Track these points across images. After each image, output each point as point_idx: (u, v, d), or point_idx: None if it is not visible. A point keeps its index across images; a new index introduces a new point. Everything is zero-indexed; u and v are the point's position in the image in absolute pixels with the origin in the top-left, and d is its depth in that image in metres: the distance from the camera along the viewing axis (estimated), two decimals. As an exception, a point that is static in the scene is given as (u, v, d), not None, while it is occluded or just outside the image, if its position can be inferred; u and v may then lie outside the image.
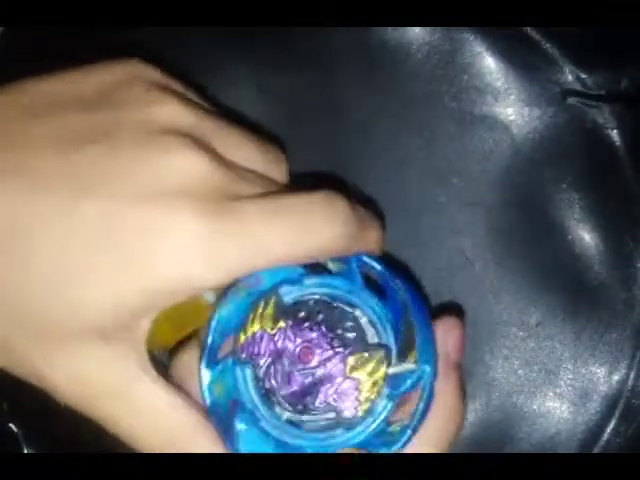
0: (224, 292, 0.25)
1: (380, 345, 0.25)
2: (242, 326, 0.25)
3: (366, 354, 0.24)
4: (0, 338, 0.22)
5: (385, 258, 0.26)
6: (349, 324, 0.25)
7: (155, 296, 0.22)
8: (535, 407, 0.37)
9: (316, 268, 0.25)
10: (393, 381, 0.24)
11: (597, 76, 0.37)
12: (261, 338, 0.24)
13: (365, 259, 0.26)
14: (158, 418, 0.23)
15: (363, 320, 0.25)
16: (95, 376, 0.23)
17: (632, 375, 0.37)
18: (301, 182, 0.27)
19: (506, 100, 0.38)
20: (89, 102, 0.24)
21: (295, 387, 0.25)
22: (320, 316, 0.25)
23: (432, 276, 0.38)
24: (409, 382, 0.24)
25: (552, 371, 0.37)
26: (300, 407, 0.25)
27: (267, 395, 0.25)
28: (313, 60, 0.38)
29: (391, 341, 0.25)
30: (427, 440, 0.25)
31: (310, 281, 0.25)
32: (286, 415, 0.25)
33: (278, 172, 0.27)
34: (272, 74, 0.38)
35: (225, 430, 0.24)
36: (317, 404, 0.25)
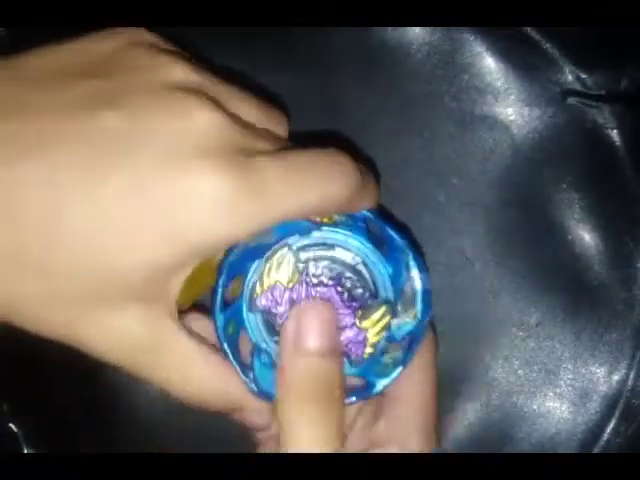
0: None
1: (384, 299, 0.27)
2: (257, 278, 0.26)
3: (373, 308, 0.27)
4: (40, 301, 0.23)
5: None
6: (356, 279, 0.27)
7: (186, 255, 0.23)
8: (535, 407, 0.37)
9: (322, 222, 0.27)
10: (394, 328, 0.27)
11: (597, 76, 0.37)
12: (278, 291, 0.27)
13: (369, 215, 0.27)
14: (193, 369, 0.26)
15: (368, 275, 0.27)
16: (134, 333, 0.24)
17: (632, 375, 0.37)
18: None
19: (506, 100, 0.38)
20: (97, 69, 0.24)
21: None
22: (330, 272, 0.27)
23: (432, 276, 0.37)
24: (407, 330, 0.27)
25: (552, 371, 0.37)
26: None
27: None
28: (313, 60, 0.38)
29: (392, 295, 0.27)
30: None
31: (318, 234, 0.27)
32: None
33: (282, 129, 0.28)
34: (272, 74, 0.38)
35: (243, 369, 0.26)
36: None
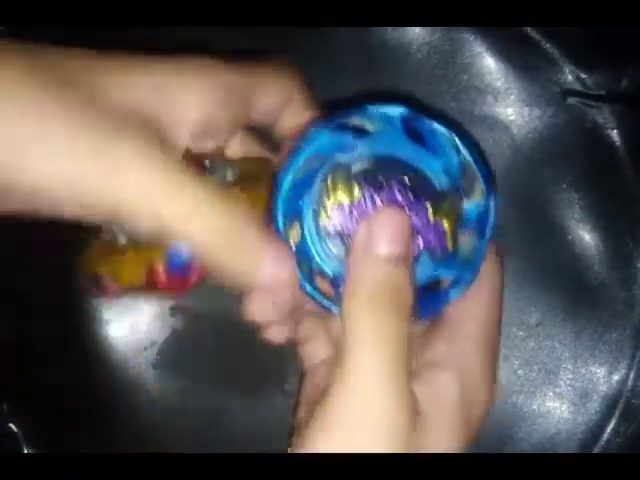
0: (282, 175, 0.26)
1: (448, 188, 0.27)
2: (315, 207, 0.27)
3: (440, 198, 0.27)
4: None
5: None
6: (413, 176, 0.27)
7: None
8: (535, 407, 0.37)
9: (359, 132, 0.27)
10: (467, 212, 0.27)
11: (597, 76, 0.37)
12: (343, 210, 0.27)
13: (403, 113, 0.27)
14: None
15: (422, 171, 0.27)
16: None
17: (632, 375, 0.37)
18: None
19: (506, 100, 0.38)
20: None
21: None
22: (387, 176, 0.27)
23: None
24: (479, 210, 0.27)
25: (552, 371, 0.37)
26: None
27: None
28: (313, 60, 0.38)
29: (452, 183, 0.27)
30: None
31: (362, 143, 0.27)
32: None
33: None
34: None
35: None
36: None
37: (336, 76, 0.38)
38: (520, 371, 0.38)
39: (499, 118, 0.38)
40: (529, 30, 0.37)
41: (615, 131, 0.37)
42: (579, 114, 0.37)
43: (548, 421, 0.37)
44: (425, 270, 0.27)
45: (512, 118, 0.38)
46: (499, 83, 0.38)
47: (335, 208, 0.27)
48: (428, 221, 0.27)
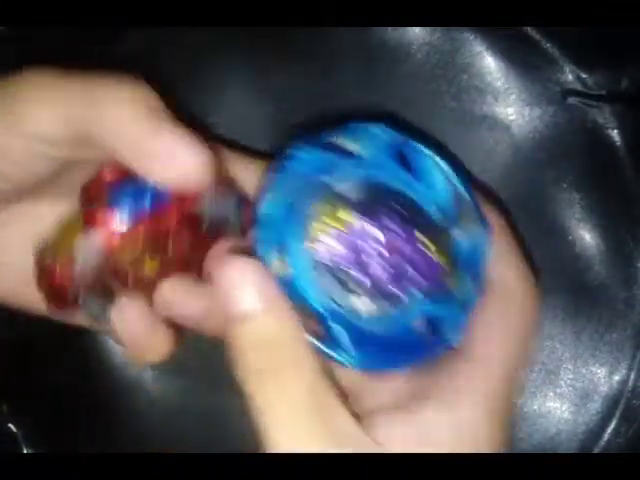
0: (261, 204, 0.24)
1: (439, 218, 0.25)
2: (302, 234, 0.24)
3: (430, 228, 0.25)
4: None
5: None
6: (404, 205, 0.25)
7: None
8: (535, 407, 0.37)
9: (344, 153, 0.25)
10: (459, 244, 0.25)
11: (597, 76, 0.37)
12: (332, 238, 0.24)
13: (395, 140, 0.25)
14: None
15: (413, 200, 0.25)
16: None
17: (633, 375, 0.37)
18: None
19: (506, 100, 0.38)
20: None
21: (376, 278, 0.24)
22: (377, 203, 0.24)
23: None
24: (472, 242, 0.25)
25: (552, 371, 0.37)
26: (383, 294, 0.24)
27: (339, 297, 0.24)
28: (313, 60, 0.38)
29: (443, 213, 0.25)
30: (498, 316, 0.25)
31: (348, 165, 0.25)
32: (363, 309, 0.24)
33: None
34: (272, 74, 0.38)
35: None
36: (401, 287, 0.24)
37: (336, 76, 0.38)
38: (520, 371, 0.38)
39: (499, 118, 0.38)
40: (529, 30, 0.37)
41: (615, 131, 0.37)
42: (579, 114, 0.37)
43: (548, 421, 0.37)
44: (417, 309, 0.25)
45: (512, 118, 0.38)
46: (499, 83, 0.38)
47: (323, 237, 0.24)
48: (421, 253, 0.24)
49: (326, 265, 0.24)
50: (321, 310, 0.24)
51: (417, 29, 0.38)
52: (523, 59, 0.37)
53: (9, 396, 0.39)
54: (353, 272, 0.24)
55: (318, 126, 0.26)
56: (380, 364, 0.24)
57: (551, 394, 0.37)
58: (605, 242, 0.37)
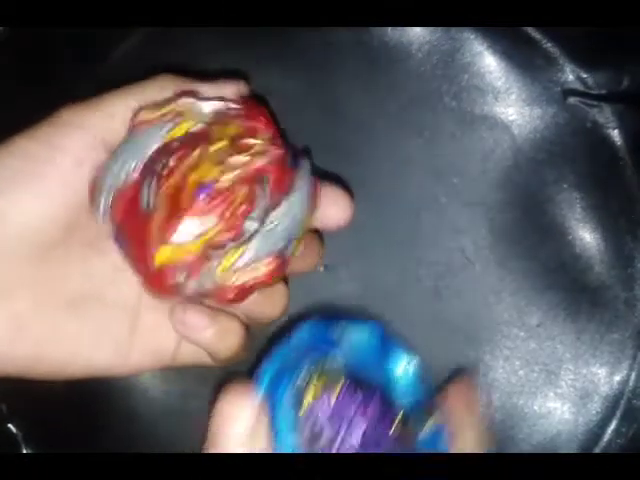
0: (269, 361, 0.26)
1: (410, 411, 0.27)
2: (295, 395, 0.26)
3: (406, 416, 0.27)
4: None
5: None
6: (380, 392, 0.27)
7: None
8: (536, 407, 0.37)
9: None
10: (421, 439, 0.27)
11: (598, 76, 0.37)
12: (322, 405, 0.26)
13: (379, 339, 0.28)
14: None
15: (387, 391, 0.27)
16: None
17: (633, 376, 0.37)
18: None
19: (507, 100, 0.38)
20: None
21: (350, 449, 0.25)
22: (360, 385, 0.27)
23: (433, 276, 0.37)
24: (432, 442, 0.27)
25: (553, 371, 0.37)
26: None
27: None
28: (313, 60, 0.38)
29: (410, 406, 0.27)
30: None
31: (340, 353, 0.27)
32: None
33: None
34: (272, 74, 0.38)
35: None
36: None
37: (336, 76, 0.38)
38: (521, 372, 0.37)
39: (500, 118, 0.38)
40: (529, 30, 0.37)
41: (616, 131, 0.37)
42: (580, 114, 0.37)
43: (549, 422, 0.37)
44: None
45: (513, 118, 0.38)
46: (500, 83, 0.38)
47: (313, 403, 0.26)
48: (389, 438, 0.26)
49: (310, 428, 0.26)
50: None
51: (417, 29, 0.38)
52: (523, 59, 0.37)
53: (9, 396, 0.38)
54: (328, 434, 0.25)
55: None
56: None
57: (552, 394, 0.37)
58: (606, 242, 0.37)
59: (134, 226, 0.25)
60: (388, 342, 0.28)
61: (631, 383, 0.37)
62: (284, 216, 0.25)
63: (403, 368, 0.28)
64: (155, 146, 0.26)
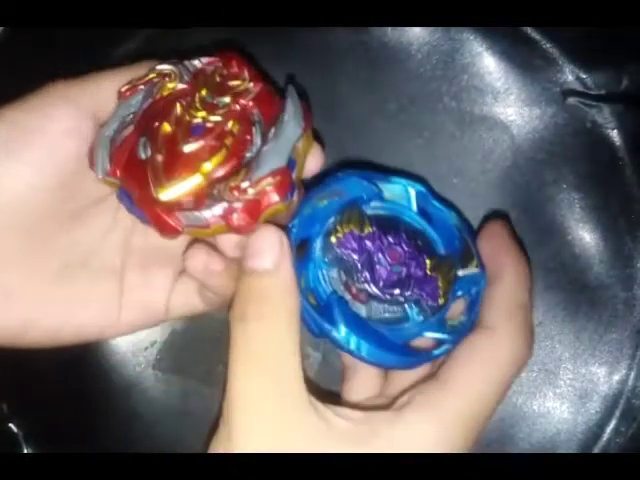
0: (306, 198, 0.29)
1: (448, 254, 0.30)
2: (329, 230, 0.29)
3: (440, 259, 0.29)
4: None
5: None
6: (417, 233, 0.30)
7: None
8: (535, 407, 0.37)
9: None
10: (461, 279, 0.29)
11: (597, 76, 0.37)
12: (353, 238, 0.29)
13: (423, 192, 0.30)
14: None
15: (425, 234, 0.30)
16: None
17: (632, 375, 0.37)
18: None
19: (506, 100, 0.38)
20: None
21: (382, 281, 0.28)
22: (396, 228, 0.30)
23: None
24: (472, 280, 0.29)
25: (552, 371, 0.37)
26: (386, 297, 0.28)
27: (347, 290, 0.28)
28: (313, 60, 0.38)
29: (449, 253, 0.30)
30: (505, 291, 0.28)
31: (379, 204, 0.30)
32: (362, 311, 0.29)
33: None
34: (272, 74, 0.38)
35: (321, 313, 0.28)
36: (402, 296, 0.29)
37: (336, 76, 0.38)
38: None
39: (499, 118, 0.38)
40: (529, 30, 0.37)
41: (615, 131, 0.37)
42: (579, 114, 0.37)
43: (548, 421, 0.37)
44: (412, 327, 0.29)
45: (512, 118, 0.38)
46: (499, 83, 0.38)
47: (345, 233, 0.29)
48: (425, 273, 0.29)
49: (340, 256, 0.29)
50: (323, 295, 0.28)
51: (417, 29, 0.38)
52: (523, 59, 0.37)
53: (9, 396, 0.39)
54: (360, 267, 0.28)
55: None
56: (364, 352, 0.27)
57: (551, 394, 0.37)
58: (605, 242, 0.37)
59: (135, 175, 0.27)
60: (431, 203, 0.30)
61: (630, 382, 0.37)
62: (279, 135, 0.27)
63: (443, 219, 0.30)
64: (145, 105, 0.28)
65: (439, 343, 0.29)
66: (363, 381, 0.32)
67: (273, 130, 0.27)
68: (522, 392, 0.37)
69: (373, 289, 0.28)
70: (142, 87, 0.28)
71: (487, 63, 0.38)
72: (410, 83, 0.38)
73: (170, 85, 0.28)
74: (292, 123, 0.27)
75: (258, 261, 0.26)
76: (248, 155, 0.27)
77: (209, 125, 0.27)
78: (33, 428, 0.38)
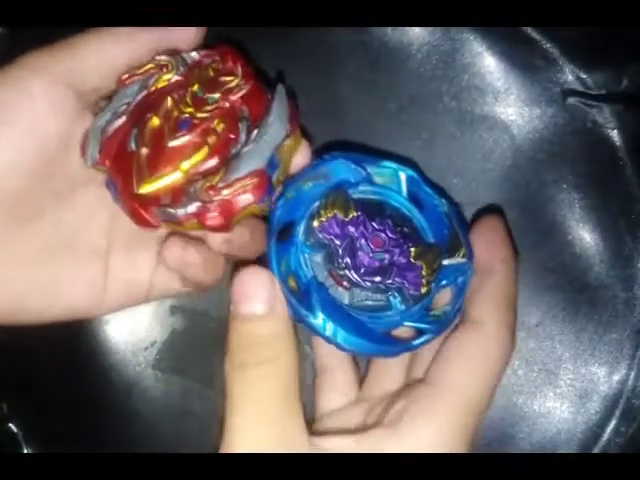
0: (292, 180, 0.29)
1: (434, 242, 0.29)
2: (312, 214, 0.28)
3: (425, 247, 0.29)
4: None
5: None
6: (403, 220, 0.29)
7: None
8: (535, 407, 0.37)
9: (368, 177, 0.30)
10: (446, 269, 0.29)
11: (597, 76, 0.37)
12: (336, 222, 0.28)
13: (414, 177, 0.30)
14: None
15: (412, 221, 0.30)
16: None
17: (632, 375, 0.37)
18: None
19: (506, 100, 0.38)
20: None
21: (363, 268, 0.28)
22: (382, 214, 0.29)
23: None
24: (457, 270, 0.29)
25: (552, 371, 0.37)
26: (366, 285, 0.28)
27: (331, 276, 0.28)
28: (313, 60, 0.38)
29: (436, 241, 0.29)
30: (493, 285, 0.28)
31: (367, 187, 0.29)
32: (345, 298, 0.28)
33: None
34: (272, 74, 0.38)
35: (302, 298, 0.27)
36: (383, 283, 0.28)
37: (336, 76, 0.38)
38: (520, 371, 0.38)
39: (499, 118, 0.38)
40: (529, 30, 0.37)
41: (615, 131, 0.37)
42: (579, 114, 0.37)
43: (548, 421, 0.37)
44: (394, 316, 0.28)
45: (512, 118, 0.38)
46: (499, 83, 0.38)
47: (329, 218, 0.28)
48: (409, 261, 0.28)
49: (323, 239, 0.28)
50: (304, 279, 0.28)
51: (417, 30, 0.38)
52: (523, 59, 0.37)
53: (9, 396, 0.39)
54: (341, 253, 0.28)
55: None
56: (340, 338, 0.27)
57: (551, 394, 0.37)
58: (605, 242, 0.37)
59: (121, 167, 0.27)
60: (422, 189, 0.30)
61: (630, 382, 0.37)
62: (261, 136, 0.27)
63: (433, 206, 0.30)
64: (140, 96, 0.28)
65: (420, 333, 0.28)
66: (339, 386, 0.32)
67: (256, 131, 0.27)
68: (522, 392, 0.37)
69: (353, 276, 0.28)
70: (139, 78, 0.28)
71: (487, 63, 0.38)
72: (410, 83, 0.38)
73: (166, 77, 0.28)
74: (276, 124, 0.27)
75: (249, 306, 0.26)
76: (231, 154, 0.27)
77: (195, 121, 0.27)
78: (33, 428, 0.38)
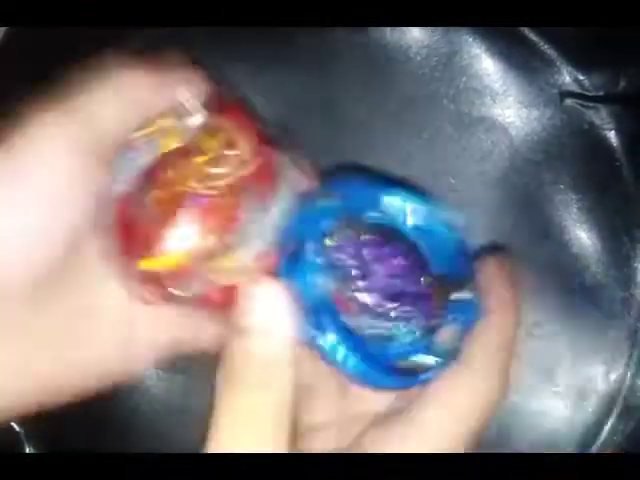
0: (302, 198, 0.27)
1: (444, 273, 0.28)
2: (324, 233, 0.27)
3: (437, 276, 0.27)
4: None
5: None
6: (415, 249, 0.28)
7: None
8: (534, 406, 0.38)
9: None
10: (453, 301, 0.27)
11: (595, 77, 0.37)
12: (349, 244, 0.27)
13: (423, 208, 0.28)
14: None
15: (423, 252, 0.28)
16: None
17: (629, 374, 0.37)
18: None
19: (504, 101, 0.38)
20: None
21: (377, 292, 0.26)
22: (395, 238, 0.28)
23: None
24: (465, 303, 0.27)
25: (550, 370, 0.38)
26: (377, 310, 0.26)
27: (336, 298, 0.26)
28: (313, 60, 0.38)
29: (445, 272, 0.28)
30: (491, 327, 0.27)
31: (378, 212, 0.28)
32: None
33: None
34: (272, 74, 0.38)
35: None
36: (394, 310, 0.26)
37: (335, 77, 0.38)
38: (518, 370, 0.38)
39: (497, 119, 0.38)
40: (527, 31, 0.37)
41: (613, 132, 0.37)
42: (577, 115, 0.38)
43: (546, 420, 0.37)
44: (398, 347, 0.27)
45: (510, 119, 0.38)
46: (497, 85, 0.38)
47: (342, 238, 0.27)
48: (420, 290, 0.27)
49: (332, 261, 0.26)
50: (313, 295, 0.26)
51: (416, 31, 0.38)
52: (521, 61, 0.37)
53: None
54: (354, 275, 0.26)
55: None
56: (351, 365, 0.25)
57: (549, 393, 0.38)
58: (602, 243, 0.37)
59: (123, 237, 0.26)
60: (425, 212, 0.28)
61: (627, 381, 0.37)
62: (269, 220, 0.26)
63: (442, 234, 0.28)
64: (143, 162, 0.26)
65: (426, 367, 0.27)
66: (321, 402, 0.30)
67: (264, 214, 0.26)
68: (521, 391, 0.38)
69: (366, 299, 0.26)
70: (141, 141, 0.27)
71: (485, 65, 0.38)
72: (409, 84, 0.38)
73: (170, 141, 0.26)
74: (283, 208, 0.26)
75: (250, 321, 0.24)
76: (234, 232, 0.25)
77: (200, 197, 0.25)
78: (35, 427, 0.38)
